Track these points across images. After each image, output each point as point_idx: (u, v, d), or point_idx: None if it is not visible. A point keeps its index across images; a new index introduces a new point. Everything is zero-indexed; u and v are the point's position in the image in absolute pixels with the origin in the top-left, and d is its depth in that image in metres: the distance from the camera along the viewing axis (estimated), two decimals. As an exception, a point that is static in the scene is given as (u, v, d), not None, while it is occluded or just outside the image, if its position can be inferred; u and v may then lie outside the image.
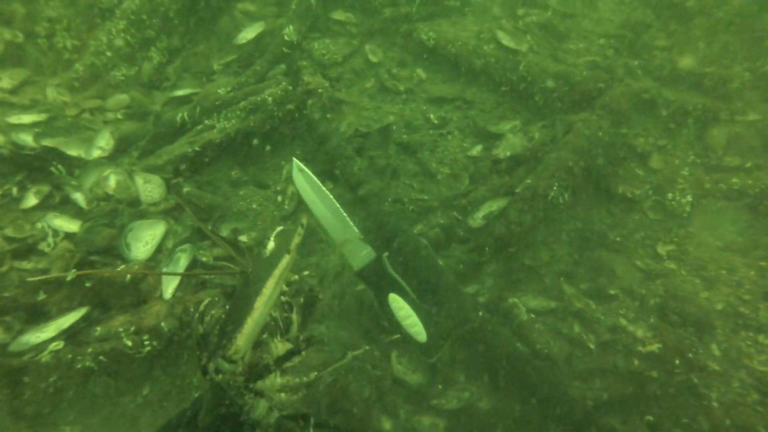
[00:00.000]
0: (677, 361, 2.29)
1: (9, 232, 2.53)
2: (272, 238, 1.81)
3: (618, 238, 3.06)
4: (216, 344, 1.56)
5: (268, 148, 3.31)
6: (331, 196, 2.57)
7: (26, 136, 2.86)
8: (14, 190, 2.70)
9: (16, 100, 3.03)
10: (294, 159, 2.70)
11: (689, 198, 2.97)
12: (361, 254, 2.52)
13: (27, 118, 2.95)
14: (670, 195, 3.04)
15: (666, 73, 3.46)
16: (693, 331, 2.45)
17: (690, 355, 2.29)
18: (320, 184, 2.60)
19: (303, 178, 2.64)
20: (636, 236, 3.05)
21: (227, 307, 1.68)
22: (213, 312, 1.73)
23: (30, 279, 2.40)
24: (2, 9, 3.17)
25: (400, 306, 2.39)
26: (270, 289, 1.59)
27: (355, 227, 2.54)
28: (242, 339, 1.50)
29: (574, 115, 3.35)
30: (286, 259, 1.64)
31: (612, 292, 2.81)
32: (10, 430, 2.19)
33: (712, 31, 3.59)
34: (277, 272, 1.61)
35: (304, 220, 1.86)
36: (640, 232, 3.07)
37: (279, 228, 1.89)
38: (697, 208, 2.98)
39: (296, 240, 1.71)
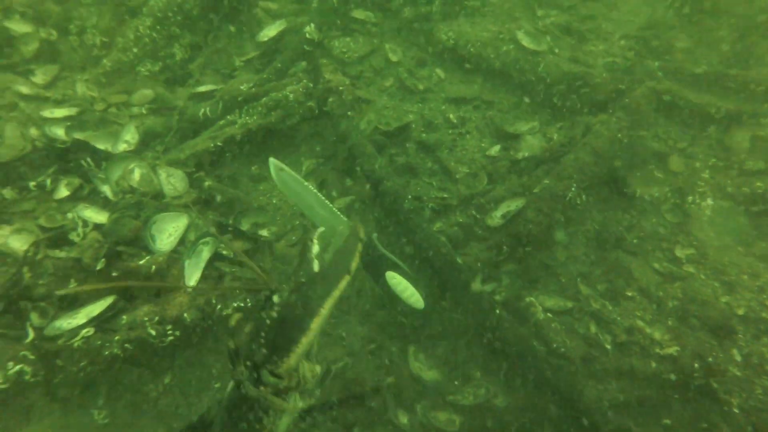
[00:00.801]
0: (696, 365, 2.28)
1: (43, 221, 2.62)
2: (315, 240, 1.74)
3: (635, 240, 3.05)
4: (264, 357, 1.49)
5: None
6: (314, 188, 2.55)
7: (58, 129, 2.96)
8: (48, 182, 2.79)
9: (50, 95, 3.13)
10: (270, 159, 2.64)
11: (710, 201, 2.95)
12: None
13: (59, 112, 3.04)
14: (690, 198, 3.02)
15: (687, 74, 3.44)
16: (713, 336, 2.44)
17: (710, 359, 2.28)
18: (300, 179, 2.57)
19: (284, 176, 2.60)
20: (654, 238, 3.04)
21: (273, 316, 1.58)
22: (245, 328, 1.63)
23: (59, 292, 2.40)
24: (38, 8, 3.28)
25: (397, 281, 2.49)
26: (328, 310, 1.55)
27: (342, 216, 2.57)
28: (295, 358, 1.48)
29: (593, 117, 3.34)
30: (346, 281, 1.61)
31: (629, 293, 2.81)
32: (46, 410, 2.28)
33: (737, 31, 3.55)
34: (336, 293, 1.58)
35: (362, 232, 1.79)
36: (658, 234, 3.05)
37: (320, 230, 1.83)
38: (718, 211, 2.96)
39: (357, 260, 1.68)
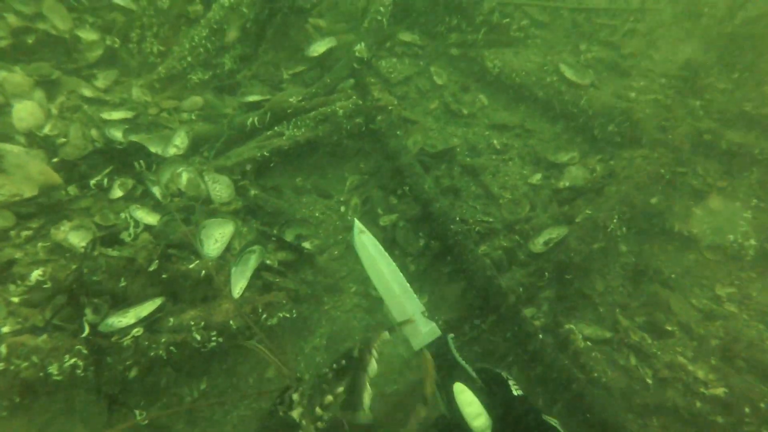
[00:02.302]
0: (747, 410, 2.27)
1: (98, 220, 2.67)
2: (375, 352, 1.52)
3: (673, 275, 3.08)
4: None
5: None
6: (395, 265, 2.19)
7: (116, 131, 3.04)
8: (105, 181, 2.86)
9: (109, 98, 3.23)
10: (355, 219, 2.36)
11: (753, 242, 2.98)
12: (423, 332, 2.08)
13: (117, 115, 3.13)
14: (731, 237, 3.06)
15: (729, 115, 3.51)
16: (762, 380, 2.43)
17: (762, 405, 2.26)
18: (383, 250, 2.24)
19: (364, 240, 2.26)
20: (692, 275, 3.07)
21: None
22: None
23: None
24: (106, 18, 3.42)
25: (468, 401, 1.86)
26: None
27: (417, 299, 2.20)
28: None
29: (633, 151, 3.41)
30: (422, 412, 1.43)
31: (669, 328, 2.83)
32: (94, 406, 2.29)
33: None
34: None
35: (428, 357, 1.57)
36: (697, 271, 3.08)
37: (384, 334, 1.63)
38: (762, 252, 2.99)
39: (430, 384, 1.48)
